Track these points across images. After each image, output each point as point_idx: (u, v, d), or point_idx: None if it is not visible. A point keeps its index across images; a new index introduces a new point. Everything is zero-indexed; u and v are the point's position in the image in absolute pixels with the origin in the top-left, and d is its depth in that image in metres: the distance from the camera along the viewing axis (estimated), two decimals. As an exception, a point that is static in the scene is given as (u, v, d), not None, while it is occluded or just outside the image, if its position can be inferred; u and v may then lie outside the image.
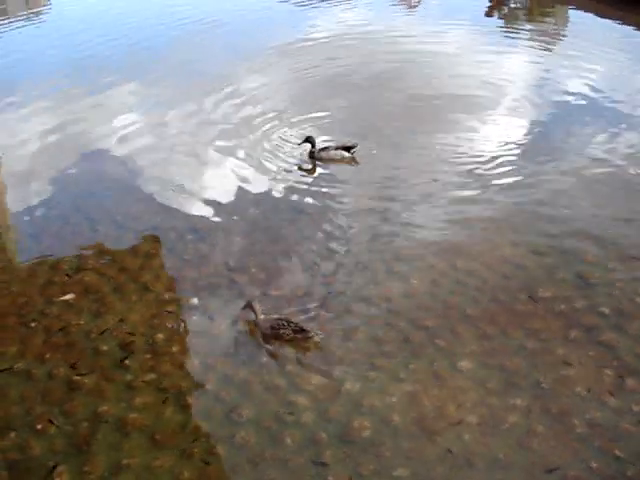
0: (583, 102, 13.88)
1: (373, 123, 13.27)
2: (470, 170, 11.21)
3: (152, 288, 8.75)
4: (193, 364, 7.53)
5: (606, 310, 7.98)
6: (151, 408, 6.97)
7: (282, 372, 7.34)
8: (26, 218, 10.59)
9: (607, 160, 11.42)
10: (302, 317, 8.03)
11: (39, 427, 6.83)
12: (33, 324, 8.20)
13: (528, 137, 12.45)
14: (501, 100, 14.23)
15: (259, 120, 13.46)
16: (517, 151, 11.85)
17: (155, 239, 9.78)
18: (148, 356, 7.64)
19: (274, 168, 11.60)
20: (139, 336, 7.93)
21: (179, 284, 8.76)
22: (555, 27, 20.44)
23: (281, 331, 7.70)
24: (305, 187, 11.02)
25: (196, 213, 10.44)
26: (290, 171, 11.55)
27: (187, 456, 6.45)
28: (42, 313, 8.39)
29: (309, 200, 10.63)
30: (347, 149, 11.81)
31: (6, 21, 22.51)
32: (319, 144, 11.95)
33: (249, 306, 7.97)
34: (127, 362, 7.55)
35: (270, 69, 16.49)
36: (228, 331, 7.99)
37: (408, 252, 9.22)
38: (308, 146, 11.81)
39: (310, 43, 18.52)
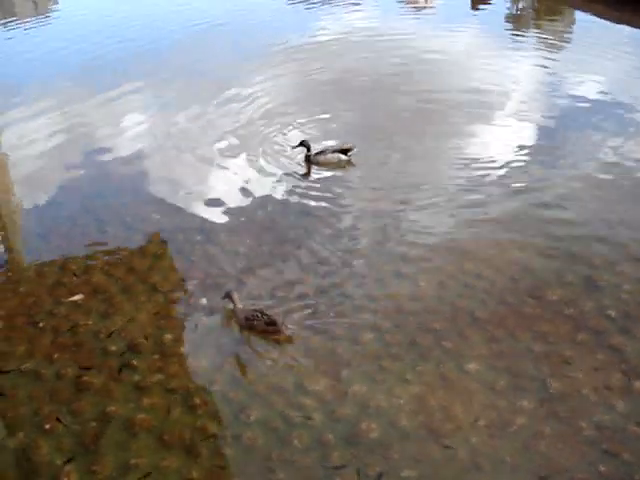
0: (591, 105, 13.84)
1: (380, 126, 13.27)
2: (478, 173, 11.21)
3: (160, 289, 8.77)
4: (201, 365, 7.54)
5: (614, 313, 7.96)
6: (159, 409, 6.99)
7: (290, 374, 7.34)
8: (35, 218, 10.66)
9: (616, 163, 11.40)
10: (310, 320, 8.05)
11: (47, 427, 6.85)
12: (41, 324, 8.24)
13: (536, 140, 12.44)
14: (509, 103, 14.22)
15: (265, 122, 13.51)
16: (525, 154, 11.83)
17: (163, 240, 9.82)
18: (156, 357, 7.66)
19: (280, 170, 11.63)
20: (147, 337, 7.96)
21: (187, 285, 8.77)
22: (562, 30, 20.41)
23: (255, 322, 7.88)
24: (312, 190, 11.02)
25: (203, 214, 10.47)
26: (296, 173, 11.55)
27: (195, 457, 6.46)
28: (50, 313, 8.42)
29: (316, 202, 10.64)
30: (344, 152, 11.74)
31: (15, 23, 22.60)
32: (316, 148, 11.84)
33: (228, 296, 8.14)
34: (135, 362, 7.58)
35: (276, 71, 16.53)
36: (236, 332, 8.00)
37: (416, 254, 9.21)
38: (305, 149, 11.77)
39: (317, 45, 18.58)
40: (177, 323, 8.20)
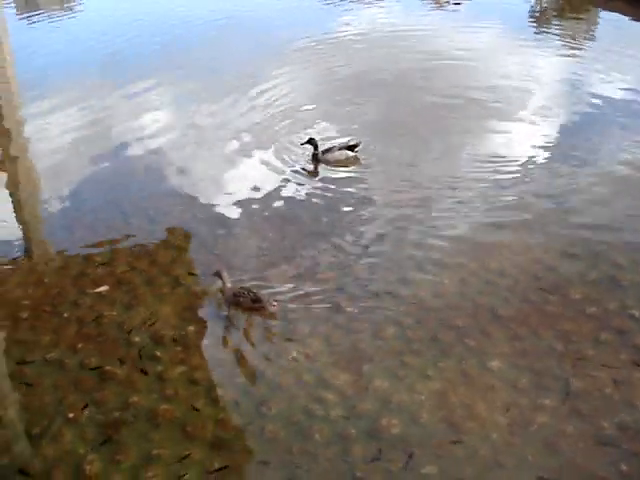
0: (615, 105, 13.75)
1: (401, 122, 13.27)
2: (501, 171, 11.18)
3: (183, 281, 8.83)
4: (223, 357, 7.59)
5: (637, 313, 7.93)
6: (182, 400, 7.04)
7: (311, 367, 7.37)
8: (59, 211, 10.76)
9: (640, 163, 11.36)
10: (331, 314, 8.09)
11: (71, 416, 6.92)
12: (66, 314, 8.32)
13: (559, 139, 12.39)
14: (532, 101, 14.15)
15: (284, 117, 13.57)
16: (549, 154, 11.79)
17: (186, 233, 9.87)
18: (179, 348, 7.72)
19: (301, 166, 11.65)
20: (170, 328, 8.01)
21: (210, 278, 8.81)
22: (586, 28, 20.27)
23: (241, 299, 8.17)
24: (333, 185, 11.04)
25: (225, 208, 10.52)
26: (317, 169, 11.58)
27: (217, 449, 6.50)
28: (75, 304, 8.50)
29: (337, 198, 10.65)
30: (350, 148, 11.70)
31: (40, 17, 22.75)
32: (322, 145, 11.79)
33: (218, 274, 8.38)
34: (158, 354, 7.63)
35: (297, 66, 16.57)
36: (258, 325, 8.04)
37: (438, 251, 9.22)
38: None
39: (338, 40, 18.55)
40: (200, 315, 8.27)
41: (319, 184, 11.11)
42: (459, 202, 10.36)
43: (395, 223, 9.89)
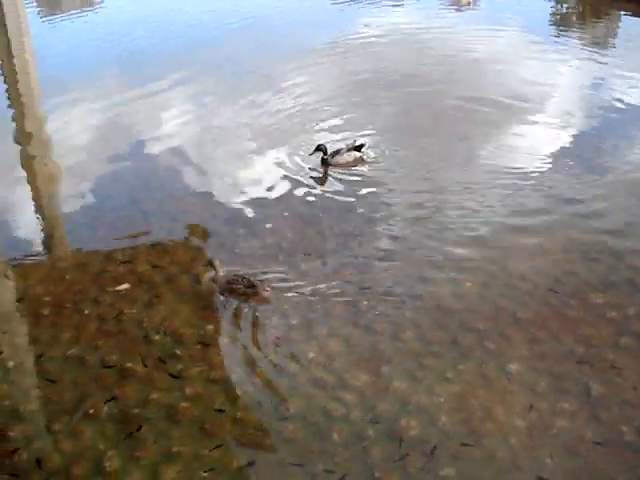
0: (636, 110, 13.68)
1: (420, 125, 13.31)
2: (521, 176, 11.15)
3: (203, 280, 8.87)
4: (243, 356, 7.61)
5: (658, 318, 7.91)
6: (201, 398, 7.07)
7: (330, 368, 7.38)
8: (80, 208, 10.83)
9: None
10: (351, 315, 8.10)
11: (91, 412, 6.96)
12: (87, 311, 8.38)
13: (581, 144, 12.34)
14: (553, 106, 14.10)
15: (301, 117, 13.64)
16: (570, 158, 11.76)
17: (206, 232, 9.92)
18: (198, 347, 7.76)
19: (319, 166, 11.66)
20: (190, 327, 8.06)
21: (229, 277, 8.83)
22: (608, 33, 20.17)
23: (235, 285, 8.39)
24: (352, 187, 11.05)
25: (245, 208, 10.57)
26: (326, 174, 11.56)
27: (235, 447, 6.54)
28: (95, 301, 8.56)
29: (357, 200, 10.66)
30: (357, 149, 11.67)
31: (61, 16, 22.94)
32: (331, 147, 11.75)
33: (210, 264, 8.66)
34: (178, 352, 7.67)
35: (316, 67, 16.62)
36: (277, 325, 8.06)
37: (457, 254, 9.21)
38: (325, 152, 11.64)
39: (356, 42, 18.56)
40: (219, 314, 8.30)
41: (337, 185, 11.12)
42: (478, 205, 10.34)
43: (414, 225, 9.89)
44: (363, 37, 18.95)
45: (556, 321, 7.91)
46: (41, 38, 20.62)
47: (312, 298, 8.40)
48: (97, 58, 18.04)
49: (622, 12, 21.24)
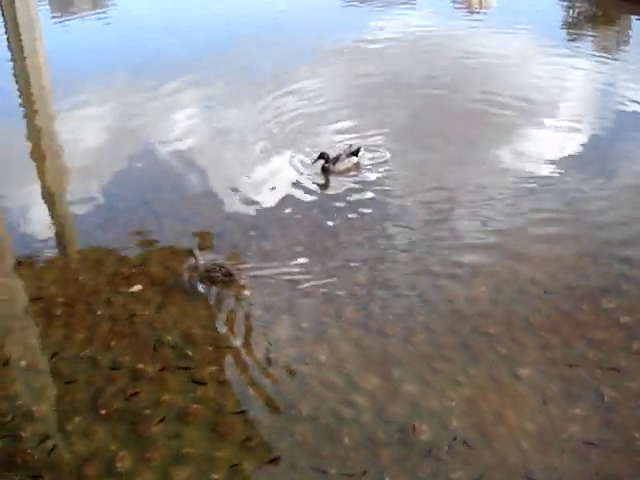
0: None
1: (431, 128, 13.28)
2: (533, 180, 11.12)
3: (216, 282, 8.88)
4: (255, 358, 7.62)
5: (671, 324, 7.88)
6: (212, 400, 7.09)
7: (341, 371, 7.39)
8: (93, 209, 10.87)
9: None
10: (362, 318, 8.12)
11: (103, 412, 6.99)
12: (99, 312, 8.41)
13: (592, 149, 12.29)
14: (565, 110, 14.07)
15: (314, 120, 13.63)
16: (582, 163, 11.74)
17: (219, 235, 9.95)
18: (210, 349, 7.78)
19: (312, 179, 11.57)
20: (202, 328, 8.09)
21: (242, 279, 8.87)
22: (619, 37, 20.11)
23: (213, 274, 8.72)
24: (364, 190, 11.03)
25: (257, 210, 10.59)
26: (328, 181, 11.54)
27: (247, 449, 6.53)
28: (108, 302, 8.59)
29: (367, 203, 10.65)
30: (354, 154, 11.63)
31: (73, 18, 23.06)
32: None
33: (191, 253, 9.02)
34: (190, 353, 7.70)
35: (329, 69, 16.70)
36: (289, 327, 8.07)
37: (470, 258, 9.20)
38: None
39: (369, 45, 18.55)
40: (231, 316, 8.30)
41: (348, 189, 11.10)
42: (490, 208, 10.32)
43: (425, 229, 9.89)
44: (377, 40, 18.95)
45: (568, 326, 7.89)
46: (53, 39, 20.71)
47: (323, 300, 8.42)
48: (109, 59, 18.13)
49: (634, 17, 21.17)
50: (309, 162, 11.72)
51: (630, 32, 20.52)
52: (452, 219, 10.12)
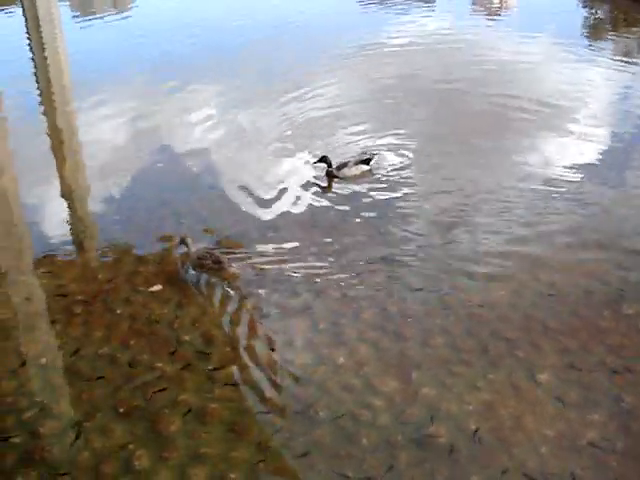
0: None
1: (450, 131, 13.30)
2: (552, 185, 11.11)
3: (233, 282, 8.91)
4: (272, 359, 7.63)
5: (691, 330, 7.83)
6: (230, 400, 7.10)
7: (359, 373, 7.38)
8: (113, 209, 10.95)
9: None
10: (380, 321, 8.12)
11: (121, 410, 7.02)
12: (118, 311, 8.46)
13: (613, 155, 12.27)
14: (585, 115, 14.02)
15: (331, 121, 13.75)
16: (602, 168, 11.71)
17: (237, 235, 9.96)
18: (228, 349, 7.80)
19: (315, 182, 11.61)
20: (220, 329, 8.11)
21: (260, 280, 8.90)
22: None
23: (204, 261, 8.83)
24: (379, 193, 11.07)
25: (274, 211, 10.63)
26: (330, 185, 11.54)
27: (264, 450, 6.54)
28: (127, 300, 8.64)
29: (385, 205, 10.69)
30: (366, 162, 11.63)
31: (92, 18, 23.18)
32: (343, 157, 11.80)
33: (183, 241, 9.09)
34: (208, 353, 7.72)
35: (346, 72, 16.76)
36: (307, 328, 8.08)
37: (489, 261, 9.18)
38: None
39: (388, 47, 18.63)
40: (249, 317, 8.32)
41: (365, 191, 11.14)
42: (509, 213, 10.30)
43: (444, 233, 9.87)
44: (395, 42, 18.97)
45: (587, 331, 7.86)
46: (74, 39, 20.84)
47: (341, 301, 8.42)
48: (128, 59, 18.27)
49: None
50: (325, 166, 11.71)
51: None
52: (471, 223, 10.09)
